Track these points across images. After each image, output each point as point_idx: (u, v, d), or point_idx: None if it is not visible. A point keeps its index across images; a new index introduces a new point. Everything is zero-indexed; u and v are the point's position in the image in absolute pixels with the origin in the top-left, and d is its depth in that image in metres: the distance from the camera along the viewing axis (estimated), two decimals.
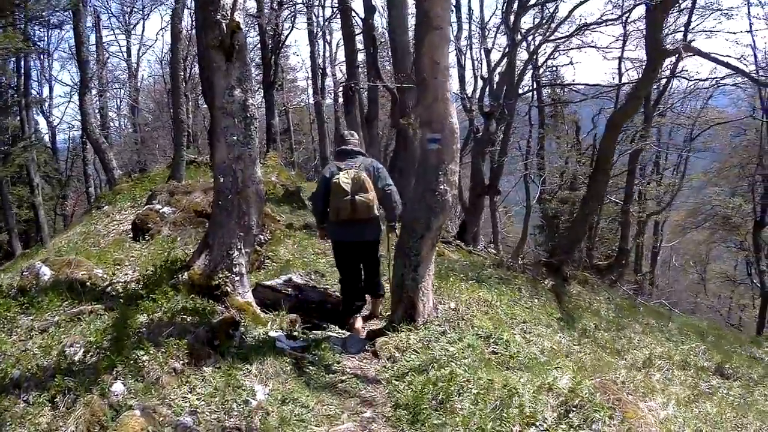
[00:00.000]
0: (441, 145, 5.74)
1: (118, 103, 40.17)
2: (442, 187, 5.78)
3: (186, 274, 6.45)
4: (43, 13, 20.34)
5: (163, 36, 65.41)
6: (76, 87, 30.29)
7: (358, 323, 6.69)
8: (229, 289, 6.27)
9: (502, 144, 16.32)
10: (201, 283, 6.27)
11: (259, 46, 26.18)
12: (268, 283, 6.86)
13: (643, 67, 23.03)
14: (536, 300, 10.06)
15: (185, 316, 5.87)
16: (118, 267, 8.52)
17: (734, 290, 33.76)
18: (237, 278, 6.32)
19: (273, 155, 24.03)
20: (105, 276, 7.92)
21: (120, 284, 7.57)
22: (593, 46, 23.49)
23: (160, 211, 9.95)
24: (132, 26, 35.93)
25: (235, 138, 5.95)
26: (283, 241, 10.33)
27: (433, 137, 5.76)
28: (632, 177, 20.28)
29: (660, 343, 9.97)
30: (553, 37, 18.05)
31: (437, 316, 6.47)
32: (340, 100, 31.67)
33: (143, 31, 78.52)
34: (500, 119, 16.58)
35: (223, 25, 5.89)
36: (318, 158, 35.38)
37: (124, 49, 36.86)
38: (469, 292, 8.37)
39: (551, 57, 24.62)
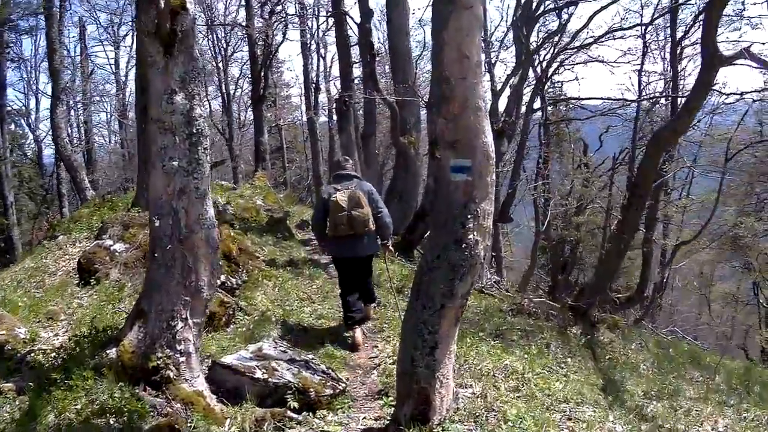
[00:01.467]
0: (471, 175, 3.96)
1: (108, 117, 38.44)
2: (471, 236, 3.99)
3: (115, 350, 4.67)
4: (11, 16, 18.60)
5: None
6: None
7: (359, 335, 7.01)
8: (172, 374, 4.50)
9: (515, 166, 14.61)
10: (134, 364, 4.51)
11: (248, 58, 24.53)
12: (228, 360, 5.02)
13: (667, 79, 21.73)
14: (570, 360, 8.28)
15: (106, 418, 4.15)
16: (49, 325, 6.73)
17: (738, 310, 32.08)
18: (182, 359, 4.53)
19: (261, 175, 22.23)
20: (27, 338, 6.18)
21: (41, 353, 5.88)
22: (600, 61, 21.88)
23: (111, 248, 8.11)
24: (121, 38, 34.27)
25: (175, 164, 4.17)
26: (262, 283, 8.53)
27: (460, 164, 3.97)
28: (656, 202, 18.50)
29: (719, 409, 8.21)
30: (570, 46, 16.38)
31: (458, 409, 4.70)
32: (335, 117, 30.04)
33: (132, 43, 76.17)
34: (511, 138, 14.90)
35: (161, 3, 4.13)
36: (311, 177, 33.67)
37: (112, 61, 35.19)
38: (493, 358, 6.63)
39: (556, 72, 23.06)
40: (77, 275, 8.22)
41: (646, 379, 8.95)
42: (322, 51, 30.66)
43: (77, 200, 23.49)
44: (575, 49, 19.04)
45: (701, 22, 14.96)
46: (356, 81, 19.79)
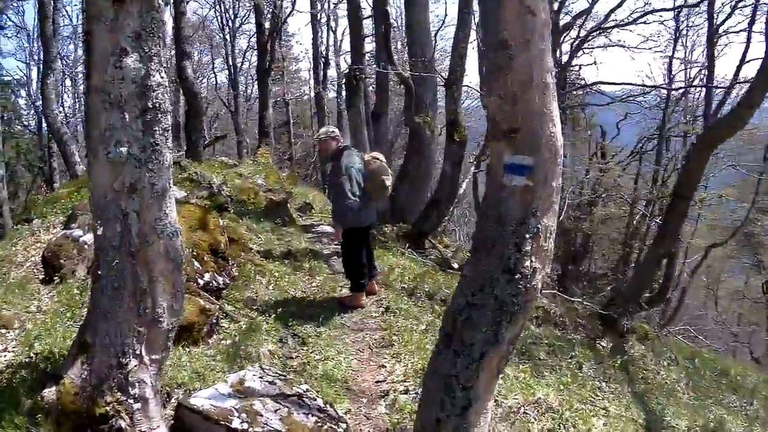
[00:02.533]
0: (533, 178, 2.83)
1: None
2: (528, 263, 2.87)
3: (54, 389, 3.60)
4: None
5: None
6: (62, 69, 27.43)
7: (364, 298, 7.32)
8: (124, 424, 3.46)
9: None
10: (77, 408, 3.47)
11: (254, 29, 23.35)
12: (199, 402, 3.90)
13: (701, 69, 20.43)
14: (605, 385, 7.23)
15: None
16: None
17: (743, 307, 31.11)
18: (137, 405, 3.46)
19: (264, 151, 21.14)
20: None
21: None
22: (621, 45, 20.62)
23: (80, 239, 6.97)
24: None
25: (124, 150, 3.05)
26: (254, 280, 7.44)
27: (518, 162, 2.81)
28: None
29: None
30: (599, 27, 15.10)
31: None
32: (344, 92, 28.79)
33: None
34: None
35: None
36: (316, 154, 32.49)
37: None
38: (522, 387, 5.57)
39: (575, 56, 21.75)
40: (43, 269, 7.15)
41: (686, 408, 7.92)
42: (332, 24, 29.40)
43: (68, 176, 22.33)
44: (597, 32, 17.84)
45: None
46: (368, 56, 18.61)
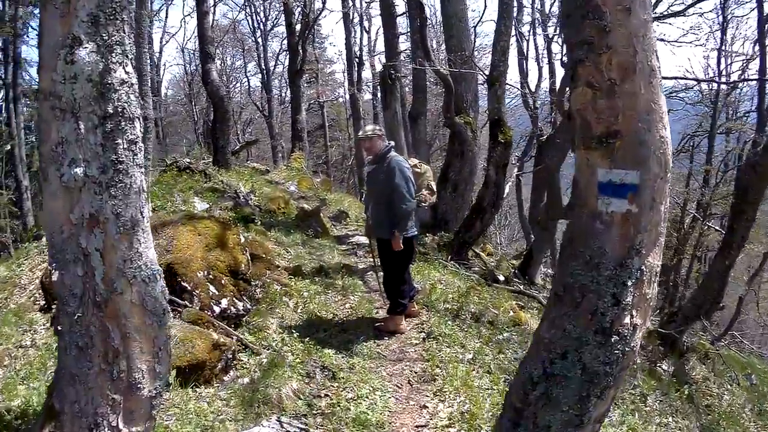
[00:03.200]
0: (637, 201, 2.01)
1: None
2: (627, 320, 2.07)
3: None
4: None
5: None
6: None
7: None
8: None
9: None
10: None
11: (285, 30, 22.74)
12: None
13: (745, 61, 19.17)
14: (671, 420, 6.35)
15: None
16: None
17: None
18: None
19: (298, 156, 20.50)
20: None
21: None
22: (662, 39, 19.52)
23: None
24: (155, 12, 32.71)
25: (80, 171, 2.30)
26: (281, 303, 6.70)
27: (618, 180, 1.99)
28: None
29: None
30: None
31: None
32: (379, 93, 28.04)
33: (166, 18, 75.15)
34: None
35: None
36: (353, 157, 31.86)
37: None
38: None
39: None
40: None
41: None
42: (365, 24, 28.69)
43: None
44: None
45: None
46: (403, 56, 17.84)
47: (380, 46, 35.34)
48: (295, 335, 6.03)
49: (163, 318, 2.60)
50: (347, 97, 32.29)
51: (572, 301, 2.09)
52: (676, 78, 18.20)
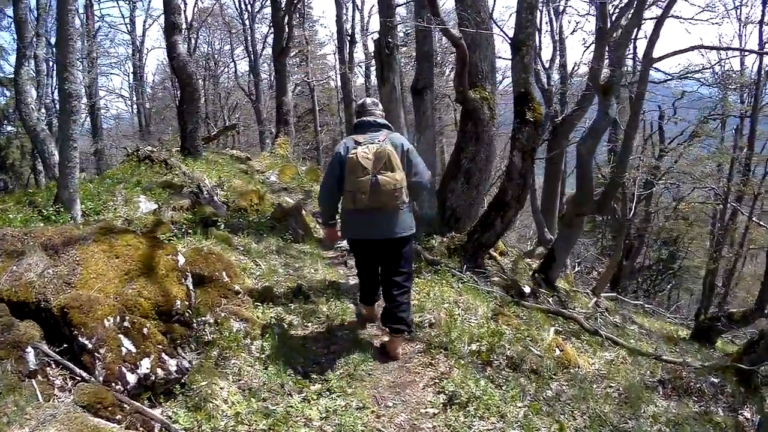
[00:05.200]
0: None
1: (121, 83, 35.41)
2: None
3: None
4: None
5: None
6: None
7: (374, 311, 5.57)
8: None
9: (627, 137, 10.43)
10: None
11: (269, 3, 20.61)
12: None
13: None
14: None
15: None
16: None
17: None
18: None
19: (283, 141, 18.51)
20: None
21: None
22: (676, 17, 17.56)
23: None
24: None
25: None
26: (238, 350, 4.68)
27: None
28: None
29: None
30: None
31: None
32: (373, 74, 25.82)
33: (149, 0, 72.60)
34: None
35: None
36: None
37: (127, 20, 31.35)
38: None
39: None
40: None
41: None
42: (358, 3, 26.47)
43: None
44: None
45: None
46: (400, 28, 15.78)
47: (374, 25, 33.11)
48: (256, 404, 4.04)
49: None
50: (338, 79, 30.22)
51: None
52: (712, 48, 16.16)
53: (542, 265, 9.97)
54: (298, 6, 20.23)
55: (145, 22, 30.64)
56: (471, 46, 8.53)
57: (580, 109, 14.60)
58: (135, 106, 33.84)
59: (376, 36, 10.72)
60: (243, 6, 32.02)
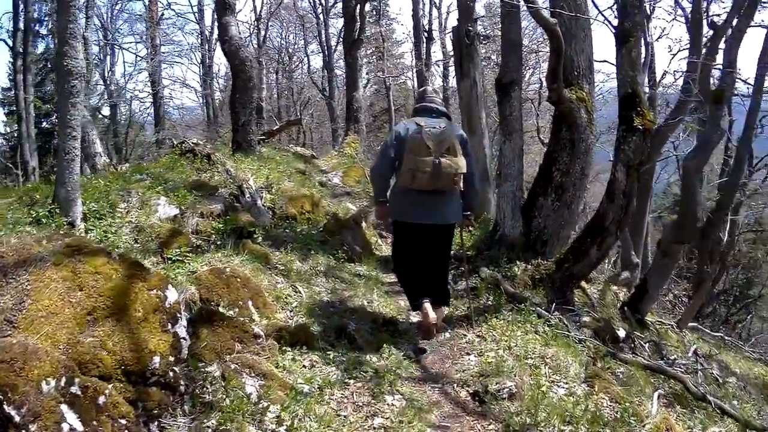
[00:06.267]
0: None
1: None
2: None
3: None
4: None
5: None
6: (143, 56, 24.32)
7: (431, 313, 4.96)
8: None
9: (739, 155, 8.68)
10: None
11: None
12: None
13: None
14: None
15: None
16: None
17: None
18: None
19: (352, 140, 17.23)
20: None
21: None
22: (764, 26, 15.47)
23: None
24: None
25: None
26: (242, 424, 3.39)
27: None
28: None
29: None
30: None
31: None
32: (452, 77, 24.32)
33: None
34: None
35: None
36: None
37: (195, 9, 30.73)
38: None
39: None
40: None
41: None
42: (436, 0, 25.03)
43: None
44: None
45: None
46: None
47: (452, 23, 31.68)
48: None
49: None
50: (414, 77, 28.91)
51: None
52: None
53: (632, 297, 8.44)
54: None
55: (213, 12, 29.43)
56: (565, 37, 7.04)
57: (676, 119, 12.89)
58: (203, 97, 33.16)
59: (455, 24, 9.33)
60: (317, 1, 31.07)
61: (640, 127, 6.35)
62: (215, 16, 10.58)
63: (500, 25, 8.55)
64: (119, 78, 25.47)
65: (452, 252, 5.62)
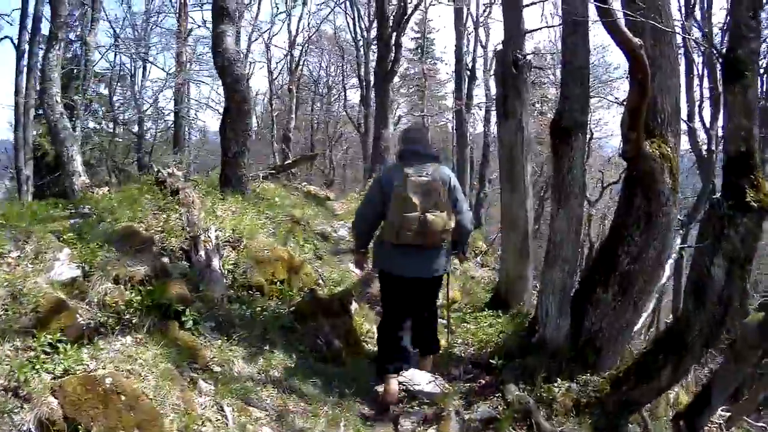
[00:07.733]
0: None
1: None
2: None
3: None
4: None
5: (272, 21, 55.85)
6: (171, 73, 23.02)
7: (394, 385, 4.78)
8: None
9: None
10: None
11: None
12: None
13: None
14: None
15: None
16: None
17: None
18: None
19: None
20: None
21: None
22: None
23: None
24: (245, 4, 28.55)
25: None
26: None
27: None
28: None
29: None
30: None
31: None
32: (493, 122, 22.36)
33: (258, 12, 68.31)
34: None
35: None
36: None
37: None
38: None
39: None
40: None
41: None
42: (482, 37, 23.24)
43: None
44: None
45: None
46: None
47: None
48: None
49: None
50: (453, 118, 27.17)
51: None
52: None
53: (690, 407, 6.28)
54: (407, 23, 17.29)
55: (251, 35, 27.81)
56: (654, 49, 5.15)
57: None
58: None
59: (499, 47, 7.48)
60: (357, 29, 29.62)
61: (755, 205, 4.35)
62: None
63: (560, 47, 6.57)
64: (150, 93, 24.16)
65: (471, 353, 5.52)
